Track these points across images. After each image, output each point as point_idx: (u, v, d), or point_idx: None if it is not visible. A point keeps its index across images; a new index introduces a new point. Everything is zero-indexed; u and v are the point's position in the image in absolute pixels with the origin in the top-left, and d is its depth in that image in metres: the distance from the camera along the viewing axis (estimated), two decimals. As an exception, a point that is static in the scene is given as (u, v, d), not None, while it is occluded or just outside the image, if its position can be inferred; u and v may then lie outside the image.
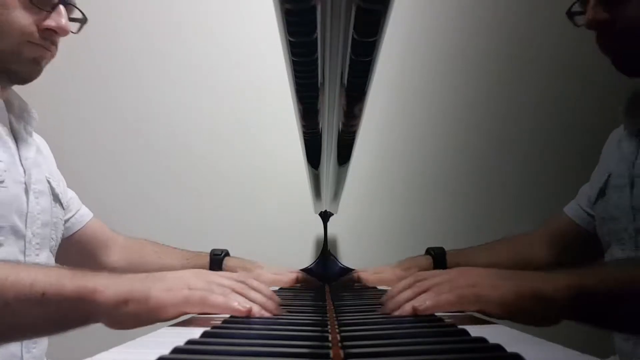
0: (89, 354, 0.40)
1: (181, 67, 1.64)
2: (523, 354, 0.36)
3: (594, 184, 0.98)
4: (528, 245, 1.11)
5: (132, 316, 0.55)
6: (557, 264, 1.06)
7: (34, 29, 0.83)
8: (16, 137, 0.88)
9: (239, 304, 0.57)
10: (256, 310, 0.58)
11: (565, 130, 1.63)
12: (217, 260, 1.10)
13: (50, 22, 0.84)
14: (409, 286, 0.63)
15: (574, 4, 0.87)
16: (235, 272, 1.05)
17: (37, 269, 0.58)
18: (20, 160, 0.86)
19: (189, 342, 0.43)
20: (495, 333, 0.50)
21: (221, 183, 1.61)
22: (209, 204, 1.60)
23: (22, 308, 0.54)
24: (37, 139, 0.96)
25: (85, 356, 0.40)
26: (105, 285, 0.55)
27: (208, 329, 0.51)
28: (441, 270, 0.66)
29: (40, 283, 0.55)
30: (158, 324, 0.58)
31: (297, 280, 1.09)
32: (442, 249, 1.10)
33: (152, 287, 0.56)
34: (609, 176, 0.90)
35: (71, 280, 0.55)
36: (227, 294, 0.59)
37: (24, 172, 0.86)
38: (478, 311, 0.59)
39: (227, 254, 1.13)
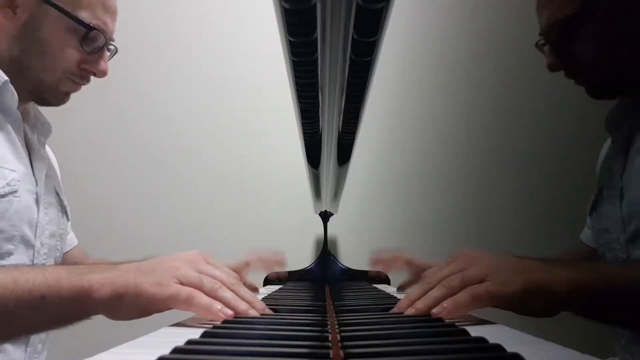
0: (88, 354, 0.40)
1: (181, 67, 1.64)
2: (523, 354, 0.36)
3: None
4: None
5: (126, 310, 0.57)
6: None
7: (76, 67, 0.87)
8: (29, 147, 0.89)
9: (221, 310, 0.56)
10: (244, 308, 0.58)
11: (566, 130, 1.63)
12: None
13: (93, 66, 0.88)
14: (421, 286, 0.62)
15: (539, 40, 0.96)
16: None
17: (35, 271, 0.58)
18: (33, 171, 0.87)
19: (189, 342, 0.43)
20: (495, 333, 0.49)
21: (221, 183, 1.61)
22: (208, 204, 1.60)
23: (23, 312, 0.56)
24: (47, 150, 0.97)
25: (85, 356, 0.40)
26: (100, 283, 0.56)
27: (208, 329, 0.51)
28: (450, 261, 0.64)
29: (39, 287, 0.56)
30: (157, 324, 0.58)
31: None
32: None
33: (143, 281, 0.57)
34: (601, 189, 0.92)
35: (68, 281, 0.57)
36: (216, 290, 0.58)
37: (36, 182, 0.86)
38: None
39: None
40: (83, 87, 0.93)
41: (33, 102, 0.92)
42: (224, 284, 0.60)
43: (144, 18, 1.64)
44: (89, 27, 0.84)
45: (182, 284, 0.58)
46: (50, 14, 0.82)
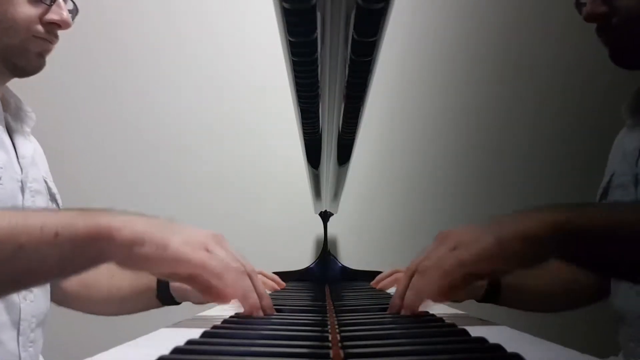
0: (88, 354, 0.40)
1: (181, 66, 1.64)
2: (523, 354, 0.36)
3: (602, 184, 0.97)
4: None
5: (145, 259, 0.53)
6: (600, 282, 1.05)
7: (38, 23, 0.84)
8: (13, 136, 0.88)
9: (250, 301, 0.55)
10: (256, 303, 0.57)
11: (566, 130, 1.63)
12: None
13: (53, 16, 0.85)
14: (402, 278, 0.60)
15: None
16: (184, 288, 0.97)
17: (45, 212, 0.56)
18: (18, 159, 0.87)
19: (189, 342, 0.43)
20: (495, 333, 0.49)
21: (221, 183, 1.61)
22: (208, 204, 1.60)
23: (36, 251, 0.52)
24: (33, 139, 0.96)
25: (85, 356, 0.40)
26: (121, 224, 0.53)
27: (208, 329, 0.51)
28: (426, 248, 0.61)
29: (51, 225, 0.52)
30: (158, 324, 0.58)
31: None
32: None
33: (171, 235, 0.53)
34: (612, 176, 0.90)
35: (84, 220, 0.53)
36: (240, 273, 0.56)
37: (21, 170, 0.86)
38: (467, 278, 0.55)
39: None
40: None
41: (11, 91, 0.91)
42: (245, 269, 0.58)
43: (144, 18, 1.64)
44: None
45: (209, 252, 0.55)
46: None
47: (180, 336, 0.45)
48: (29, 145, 0.91)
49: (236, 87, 1.63)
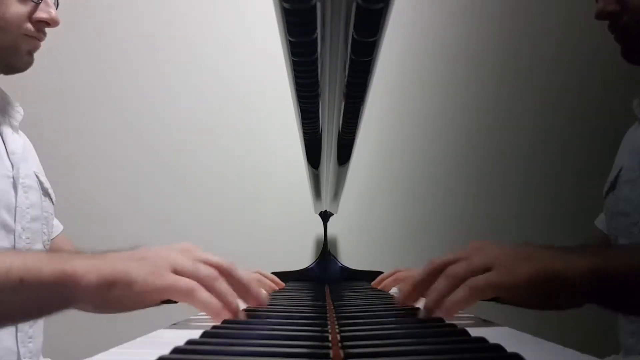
0: (88, 354, 0.40)
1: (180, 66, 1.64)
2: (523, 354, 0.36)
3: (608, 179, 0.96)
4: None
5: (115, 301, 0.53)
6: None
7: (27, 21, 0.85)
8: (1, 132, 0.88)
9: (221, 310, 0.53)
10: (235, 307, 0.55)
11: (567, 130, 1.63)
12: None
13: (42, 14, 0.86)
14: (423, 269, 0.59)
15: None
16: None
17: (13, 254, 0.55)
18: (8, 155, 0.87)
19: (189, 342, 0.43)
20: (496, 333, 0.49)
21: (221, 183, 1.61)
22: (208, 204, 1.60)
23: (0, 295, 0.52)
24: (22, 136, 0.96)
25: (85, 356, 0.40)
26: (86, 269, 0.52)
27: (208, 329, 0.51)
28: (457, 251, 0.60)
29: (17, 269, 0.52)
30: (157, 324, 0.58)
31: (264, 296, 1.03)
32: None
33: (135, 270, 0.52)
34: (620, 170, 0.90)
35: (49, 264, 0.52)
36: (212, 279, 0.55)
37: (12, 166, 0.86)
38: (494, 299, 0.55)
39: None
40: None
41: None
42: (221, 269, 0.56)
43: (144, 18, 1.64)
44: None
45: (176, 272, 0.53)
46: None
47: (180, 336, 0.45)
48: (18, 141, 0.91)
49: (236, 87, 1.63)
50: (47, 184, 0.96)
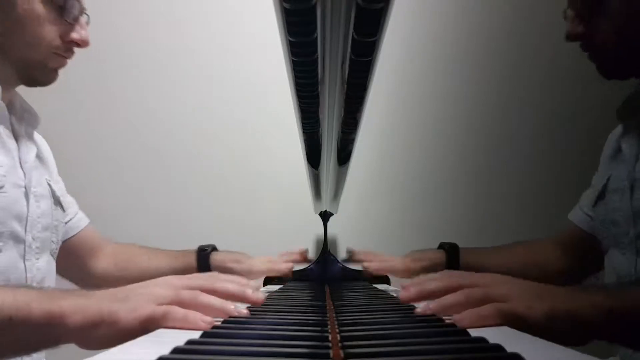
0: (88, 354, 0.40)
1: (180, 66, 1.64)
2: (523, 354, 0.36)
3: (595, 186, 0.97)
4: (540, 251, 1.10)
5: (102, 339, 0.54)
6: (569, 269, 1.06)
7: (59, 41, 0.86)
8: (17, 139, 0.88)
9: (200, 319, 0.54)
10: (229, 308, 0.58)
11: (566, 130, 1.63)
12: (204, 256, 1.10)
13: (75, 35, 0.88)
14: (440, 281, 0.61)
15: (565, 10, 0.91)
16: (225, 266, 1.07)
17: (4, 291, 0.56)
18: (20, 164, 0.86)
19: (189, 342, 0.43)
20: (496, 333, 0.49)
21: (221, 183, 1.61)
22: (208, 204, 1.60)
23: None
24: (37, 140, 0.96)
25: (85, 356, 0.40)
26: (73, 309, 0.54)
27: (208, 329, 0.51)
28: (470, 273, 0.63)
29: (7, 308, 0.54)
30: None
31: (291, 268, 1.09)
32: (455, 245, 1.10)
33: (119, 308, 0.54)
34: (608, 179, 0.90)
35: (39, 304, 0.54)
36: (196, 297, 0.57)
37: (24, 175, 0.86)
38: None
39: (214, 248, 1.13)
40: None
41: (18, 94, 0.92)
42: (202, 289, 0.59)
43: (143, 18, 1.64)
44: None
45: (160, 305, 0.56)
46: None
47: (180, 336, 0.45)
48: (32, 149, 0.91)
49: (236, 87, 1.63)
50: (58, 193, 0.96)
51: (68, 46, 0.88)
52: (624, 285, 0.82)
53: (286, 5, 0.41)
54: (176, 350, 0.39)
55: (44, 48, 0.85)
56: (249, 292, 0.62)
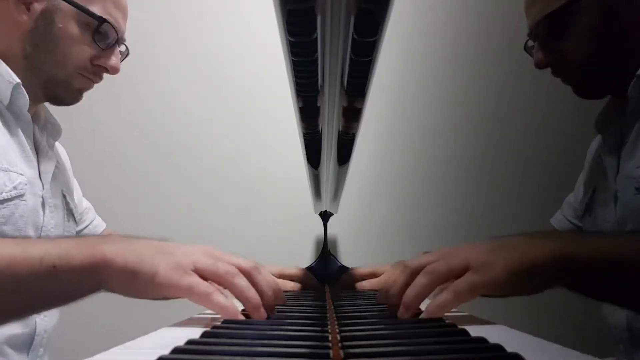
0: (88, 354, 0.40)
1: (180, 66, 1.64)
2: (523, 354, 0.36)
3: (579, 196, 0.99)
4: None
5: (138, 288, 0.55)
6: None
7: (88, 63, 0.87)
8: (38, 149, 0.89)
9: (237, 312, 0.55)
10: (256, 300, 0.57)
11: (566, 131, 1.63)
12: None
13: (104, 61, 0.88)
14: (399, 278, 0.60)
15: (527, 41, 0.93)
16: None
17: (46, 242, 0.57)
18: (40, 174, 0.87)
19: (189, 342, 0.43)
20: (496, 333, 0.50)
21: (221, 183, 1.61)
22: (208, 204, 1.60)
23: (35, 283, 0.54)
24: (57, 149, 0.97)
25: (85, 356, 0.40)
26: (114, 254, 0.54)
27: (208, 329, 0.51)
28: (431, 253, 0.62)
29: (50, 256, 0.54)
30: (157, 324, 0.58)
31: (299, 288, 1.06)
32: None
33: (160, 262, 0.55)
34: (594, 191, 0.91)
35: (80, 251, 0.55)
36: (232, 275, 0.57)
37: (42, 186, 0.86)
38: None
39: None
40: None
41: (44, 106, 0.93)
42: (241, 269, 0.59)
43: (143, 18, 1.64)
44: (101, 19, 0.85)
45: (197, 270, 0.56)
46: (62, 9, 0.83)
47: (180, 336, 0.45)
48: (52, 160, 0.91)
49: (236, 87, 1.63)
50: (72, 204, 0.96)
51: (96, 70, 0.89)
52: (582, 235, 0.84)
53: (286, 6, 0.41)
54: (176, 350, 0.39)
55: (70, 67, 0.86)
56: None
